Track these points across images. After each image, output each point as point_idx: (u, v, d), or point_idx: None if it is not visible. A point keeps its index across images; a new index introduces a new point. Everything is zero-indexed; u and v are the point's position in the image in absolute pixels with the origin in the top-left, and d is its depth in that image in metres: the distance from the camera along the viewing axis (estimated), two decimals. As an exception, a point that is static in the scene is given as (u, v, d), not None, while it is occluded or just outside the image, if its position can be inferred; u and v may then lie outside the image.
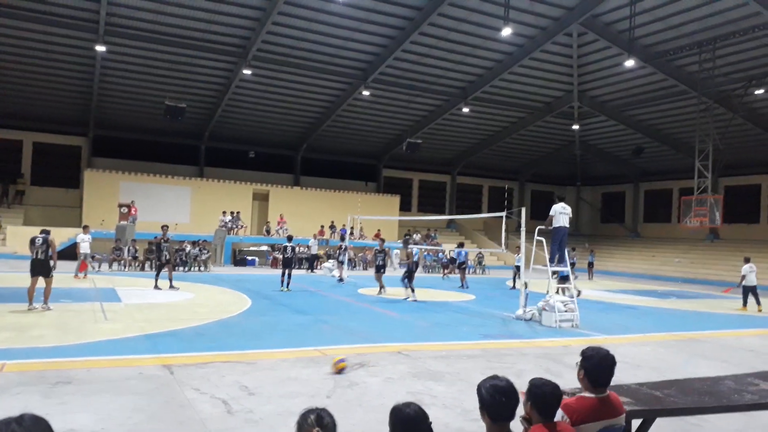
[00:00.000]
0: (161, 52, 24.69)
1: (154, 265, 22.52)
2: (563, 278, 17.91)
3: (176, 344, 8.83)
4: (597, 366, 3.33)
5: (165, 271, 16.58)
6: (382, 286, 17.77)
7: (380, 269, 18.01)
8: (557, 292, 13.12)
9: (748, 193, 33.95)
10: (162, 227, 17.44)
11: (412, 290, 16.44)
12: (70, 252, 20.67)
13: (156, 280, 16.33)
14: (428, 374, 7.57)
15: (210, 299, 14.74)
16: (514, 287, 21.24)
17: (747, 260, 17.64)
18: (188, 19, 22.84)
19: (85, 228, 19.93)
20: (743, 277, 17.31)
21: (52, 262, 11.61)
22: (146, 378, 6.79)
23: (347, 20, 23.49)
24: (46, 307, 11.46)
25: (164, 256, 16.49)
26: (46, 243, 11.59)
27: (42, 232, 12.00)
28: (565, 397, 3.34)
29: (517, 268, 21.90)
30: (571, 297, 13.00)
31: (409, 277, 16.60)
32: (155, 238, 17.41)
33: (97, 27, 22.33)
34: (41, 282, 11.52)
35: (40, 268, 11.51)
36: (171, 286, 16.05)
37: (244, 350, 8.56)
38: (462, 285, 21.35)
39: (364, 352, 8.78)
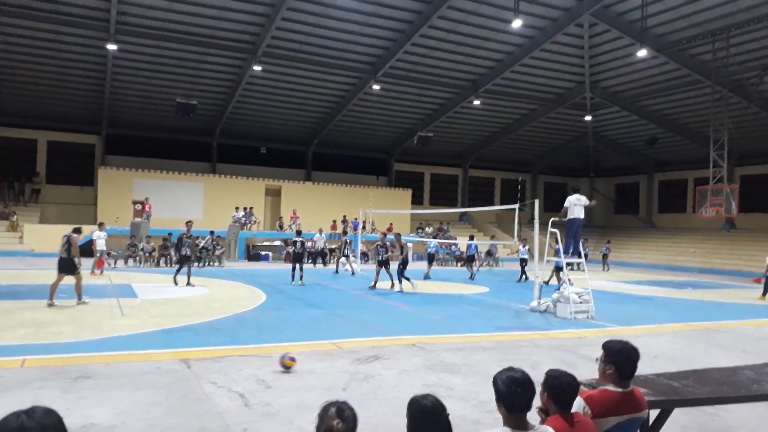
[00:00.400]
0: (172, 49, 24.81)
1: (171, 261, 22.85)
2: (558, 269, 17.94)
3: (193, 339, 8.91)
4: (625, 359, 3.30)
5: (184, 267, 16.47)
6: (392, 282, 17.35)
7: (381, 264, 17.61)
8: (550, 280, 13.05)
9: (765, 182, 33.51)
10: (186, 223, 17.36)
11: (400, 281, 16.73)
12: (86, 249, 20.85)
13: (175, 275, 16.25)
14: (443, 366, 7.57)
15: (225, 294, 14.83)
16: (526, 279, 21.17)
17: None
18: (198, 16, 22.92)
19: (101, 225, 20.16)
20: None
21: (76, 260, 11.92)
22: (164, 372, 6.86)
23: (356, 14, 23.44)
24: (82, 302, 11.83)
25: (185, 251, 16.43)
26: (68, 242, 11.96)
27: (74, 230, 12.46)
28: (582, 388, 3.33)
29: (523, 260, 21.89)
30: (585, 289, 12.92)
31: (401, 269, 16.87)
32: (180, 234, 17.15)
33: (108, 26, 22.47)
34: (68, 279, 11.89)
35: (65, 265, 11.90)
36: (188, 283, 15.88)
37: (259, 344, 8.61)
38: (471, 277, 21.47)
39: (378, 345, 8.80)
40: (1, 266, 19.59)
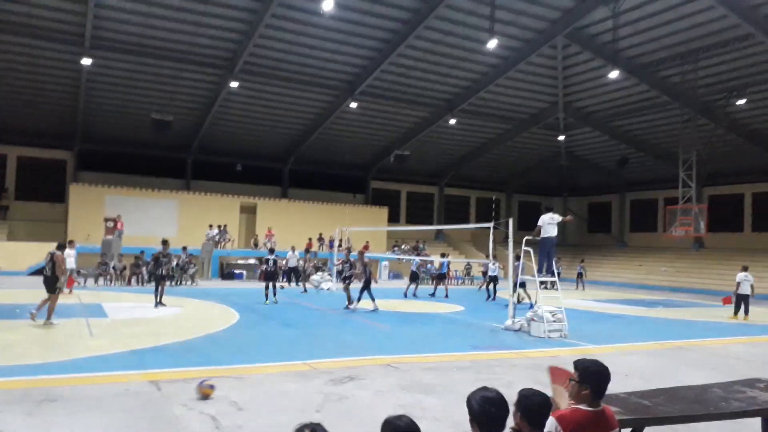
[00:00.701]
0: (148, 65, 24.60)
1: (143, 280, 22.43)
2: (522, 285, 18.28)
3: (163, 359, 8.74)
4: (598, 377, 3.33)
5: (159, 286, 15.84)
6: (349, 300, 16.82)
7: (346, 280, 17.29)
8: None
9: (732, 202, 34.38)
10: (162, 242, 16.69)
11: (357, 300, 16.55)
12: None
13: (156, 297, 15.42)
14: (418, 387, 7.54)
15: (197, 313, 14.61)
16: (494, 299, 20.75)
17: (745, 269, 17.55)
18: (174, 32, 22.81)
19: (71, 243, 19.72)
20: (738, 284, 17.39)
21: (62, 278, 11.81)
22: (133, 394, 6.70)
23: (334, 33, 23.59)
24: (49, 323, 11.45)
25: (161, 271, 15.82)
26: (52, 259, 11.73)
27: (58, 246, 12.29)
28: (554, 406, 3.34)
29: (493, 278, 21.24)
30: (558, 308, 13.02)
31: (363, 288, 16.70)
32: (157, 253, 16.55)
33: (83, 40, 22.23)
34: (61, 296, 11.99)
35: (46, 283, 11.74)
36: (160, 302, 15.39)
37: (232, 365, 8.48)
38: (445, 295, 21.50)
39: (353, 365, 8.73)
40: (-34, 284, 19.02)
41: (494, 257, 21.41)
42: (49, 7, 20.81)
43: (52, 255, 11.75)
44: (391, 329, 13.13)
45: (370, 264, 17.85)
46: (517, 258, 20.92)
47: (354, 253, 19.51)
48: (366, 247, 32.20)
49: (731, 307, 17.82)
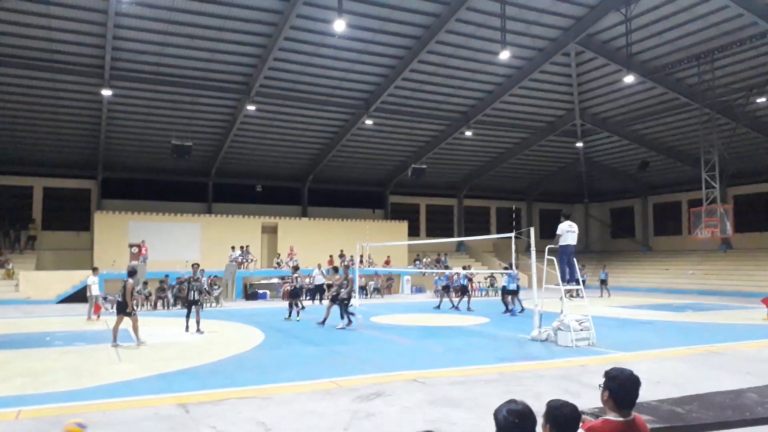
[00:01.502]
0: (166, 92, 25.12)
1: (168, 304, 22.64)
2: (513, 293, 19.03)
3: (191, 382, 8.80)
4: (621, 387, 3.26)
5: (192, 311, 15.37)
6: (326, 316, 16.35)
7: (334, 300, 16.50)
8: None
9: (758, 201, 33.72)
10: (192, 265, 16.36)
11: (346, 317, 15.79)
12: (83, 294, 20.75)
13: (187, 322, 15.11)
14: (445, 401, 7.48)
15: (223, 335, 14.69)
16: (510, 311, 19.85)
17: None
18: (190, 59, 23.28)
19: (95, 270, 20.05)
20: None
21: (131, 303, 12.71)
22: (162, 418, 6.75)
23: (347, 53, 23.85)
24: (141, 342, 12.59)
25: (193, 296, 15.30)
26: (124, 286, 12.77)
27: (129, 274, 13.12)
28: (584, 417, 3.29)
29: (509, 291, 20.24)
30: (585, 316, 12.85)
31: (345, 305, 15.87)
32: (188, 276, 16.06)
33: (102, 72, 22.79)
34: (126, 321, 12.71)
35: (119, 307, 12.88)
36: (198, 330, 14.88)
37: (259, 385, 8.50)
38: (468, 308, 21.22)
39: (379, 381, 8.70)
40: (-3, 315, 19.39)
41: (510, 267, 20.74)
42: (69, 42, 21.42)
43: (124, 283, 12.77)
44: (415, 343, 13.06)
45: (353, 281, 16.90)
46: (509, 267, 20.62)
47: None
48: (387, 262, 32.28)
49: (765, 309, 17.42)
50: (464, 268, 23.92)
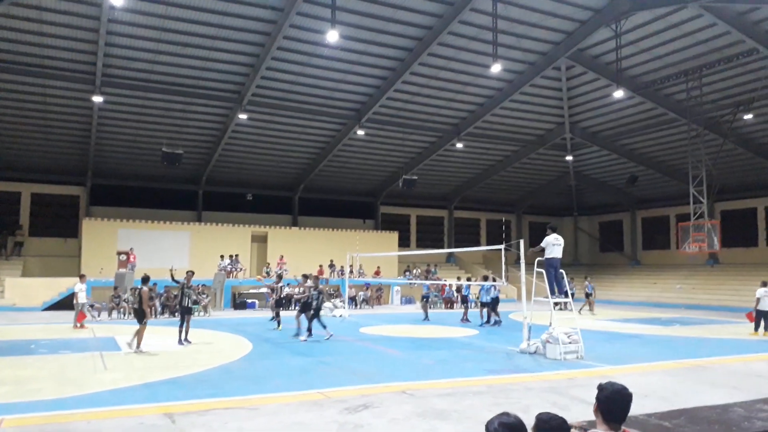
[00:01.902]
0: (157, 100, 25.06)
1: (156, 312, 22.43)
2: (487, 305, 19.34)
3: (177, 392, 8.71)
4: (608, 399, 3.26)
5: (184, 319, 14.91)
6: (299, 327, 15.93)
7: (302, 310, 16.05)
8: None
9: (745, 217, 34.07)
10: (186, 273, 15.65)
11: (308, 330, 15.47)
12: (68, 302, 20.55)
13: (180, 332, 14.44)
14: (434, 413, 7.45)
15: (210, 344, 14.58)
16: (490, 322, 19.81)
17: (764, 284, 17.07)
18: (183, 67, 23.25)
19: (82, 277, 19.86)
20: (758, 300, 17.03)
21: (148, 310, 12.95)
22: (147, 428, 6.68)
23: (339, 63, 23.92)
24: (139, 350, 12.53)
25: (187, 303, 14.80)
26: (139, 294, 13.00)
27: (143, 281, 13.25)
28: (573, 430, 3.29)
29: (482, 303, 20.32)
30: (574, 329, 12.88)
31: (310, 314, 15.56)
32: (181, 284, 15.15)
33: (93, 78, 22.70)
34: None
35: (138, 315, 12.95)
36: (186, 339, 14.40)
37: (246, 395, 8.43)
38: (462, 319, 21.41)
39: (367, 393, 8.66)
40: (-19, 322, 19.14)
41: (486, 278, 21.20)
42: (60, 48, 21.33)
43: (139, 291, 12.94)
44: (404, 355, 13.03)
45: (324, 289, 16.55)
46: (485, 279, 20.95)
47: (322, 278, 18.55)
48: (377, 273, 32.21)
49: (751, 324, 17.51)
50: (458, 279, 23.99)
